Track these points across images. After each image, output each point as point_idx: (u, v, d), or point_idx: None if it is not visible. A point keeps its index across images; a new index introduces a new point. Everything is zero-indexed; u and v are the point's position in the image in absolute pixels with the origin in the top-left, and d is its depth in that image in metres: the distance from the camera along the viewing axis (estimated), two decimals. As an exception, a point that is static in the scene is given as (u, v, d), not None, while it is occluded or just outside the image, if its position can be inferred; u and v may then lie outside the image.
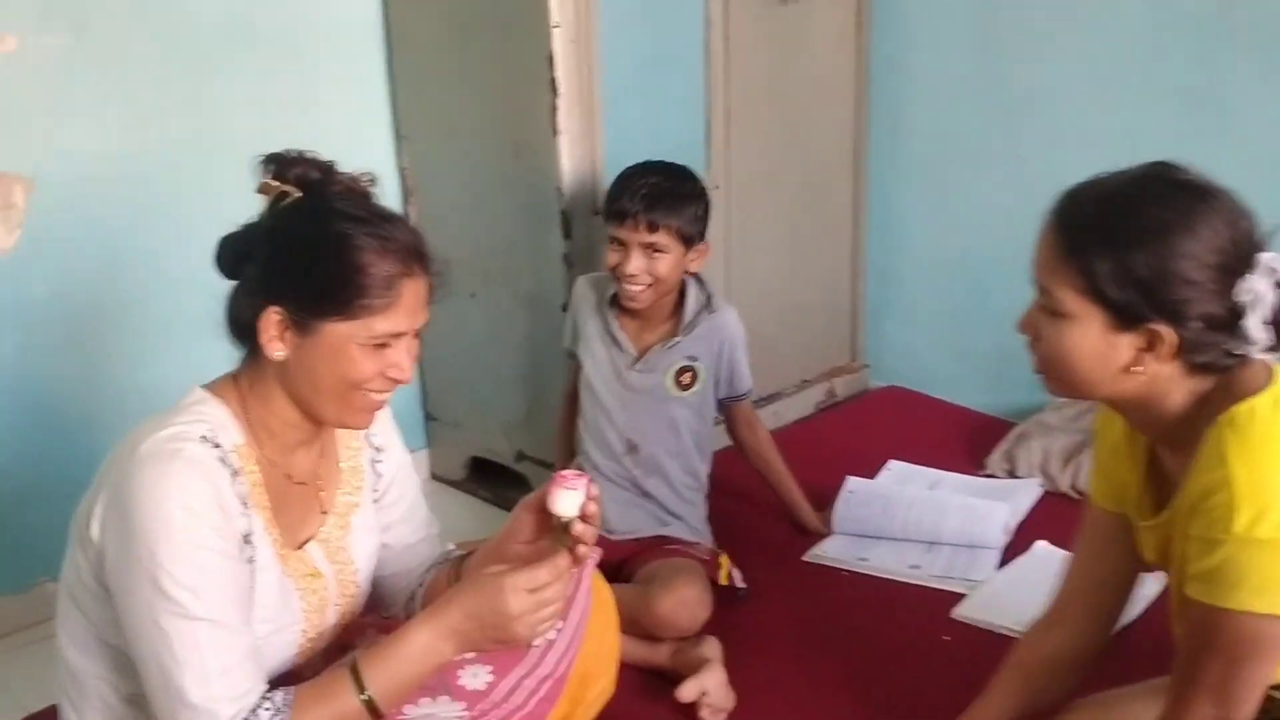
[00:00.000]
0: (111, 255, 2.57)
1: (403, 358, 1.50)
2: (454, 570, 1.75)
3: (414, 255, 1.50)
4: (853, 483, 2.73)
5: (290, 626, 1.58)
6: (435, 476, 3.25)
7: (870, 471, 2.95)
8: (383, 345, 1.48)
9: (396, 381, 1.52)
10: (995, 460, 2.96)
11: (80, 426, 2.61)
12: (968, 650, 2.23)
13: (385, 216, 1.51)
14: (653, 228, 2.32)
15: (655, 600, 2.18)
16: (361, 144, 2.97)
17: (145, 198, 2.63)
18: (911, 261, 3.53)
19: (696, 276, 2.48)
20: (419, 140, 2.99)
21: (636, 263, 2.33)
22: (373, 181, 1.58)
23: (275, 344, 1.48)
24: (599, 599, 1.78)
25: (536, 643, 1.62)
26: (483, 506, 3.12)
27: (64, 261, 2.55)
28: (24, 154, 2.47)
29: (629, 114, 2.78)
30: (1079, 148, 3.08)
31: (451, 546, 1.86)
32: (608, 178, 2.72)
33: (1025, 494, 2.79)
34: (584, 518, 1.55)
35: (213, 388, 1.56)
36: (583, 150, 2.67)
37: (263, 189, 1.53)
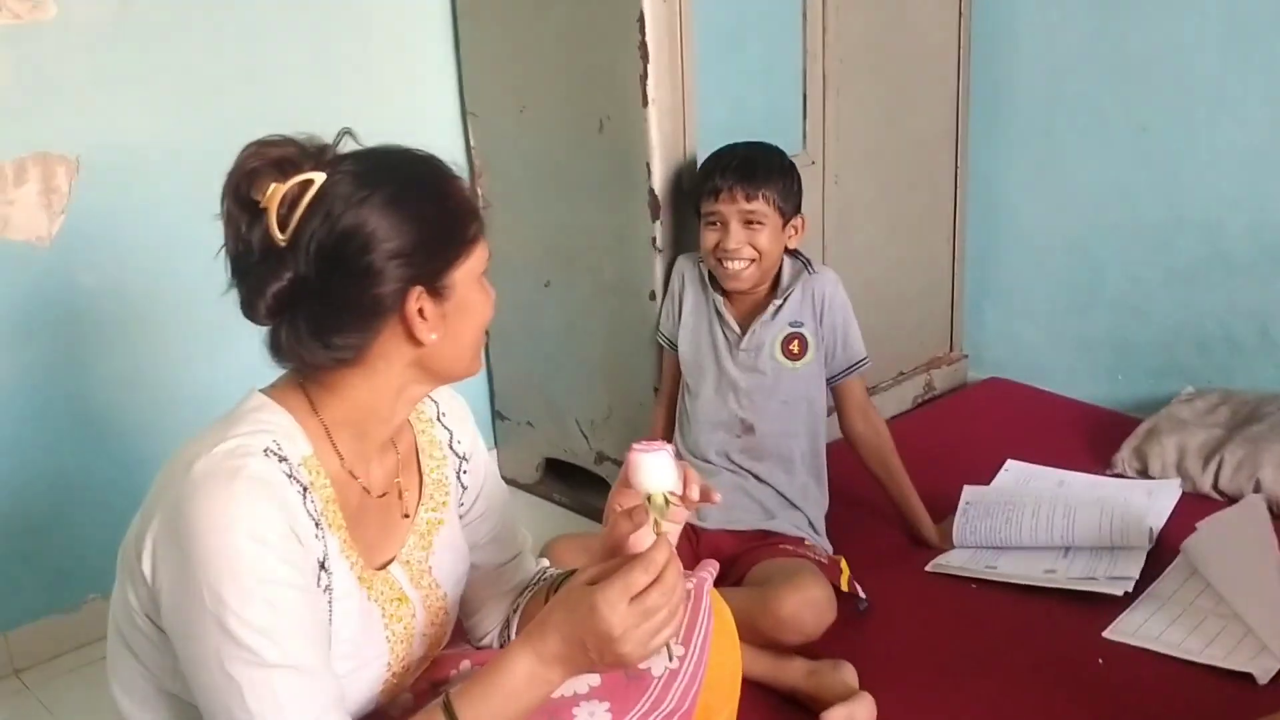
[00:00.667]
0: (164, 243, 2.37)
1: (491, 290, 1.38)
2: (551, 592, 1.54)
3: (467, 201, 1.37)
4: (969, 493, 2.47)
5: (374, 661, 1.35)
6: (505, 479, 3.03)
7: (985, 472, 2.70)
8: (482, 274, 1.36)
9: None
10: (1124, 458, 2.70)
11: (131, 430, 2.41)
12: (1121, 671, 2.00)
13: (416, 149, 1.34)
14: (750, 196, 2.24)
15: (777, 600, 1.98)
16: (426, 120, 2.78)
17: (199, 179, 2.35)
18: (1016, 243, 3.27)
19: (794, 253, 2.36)
20: (488, 116, 2.77)
21: (737, 236, 2.24)
22: (348, 133, 1.35)
23: (425, 328, 1.29)
24: (720, 620, 1.56)
25: (656, 671, 1.41)
26: (558, 512, 2.92)
27: (112, 250, 2.35)
28: (66, 133, 2.27)
29: (721, 83, 2.56)
30: (1211, 116, 2.83)
31: (545, 564, 1.66)
32: (700, 153, 2.49)
33: (1165, 495, 2.53)
34: (682, 498, 1.33)
35: (273, 391, 1.33)
36: (673, 123, 2.43)
37: (270, 201, 1.26)
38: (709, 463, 2.31)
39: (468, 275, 1.30)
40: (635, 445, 1.33)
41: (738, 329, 2.32)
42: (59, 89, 2.24)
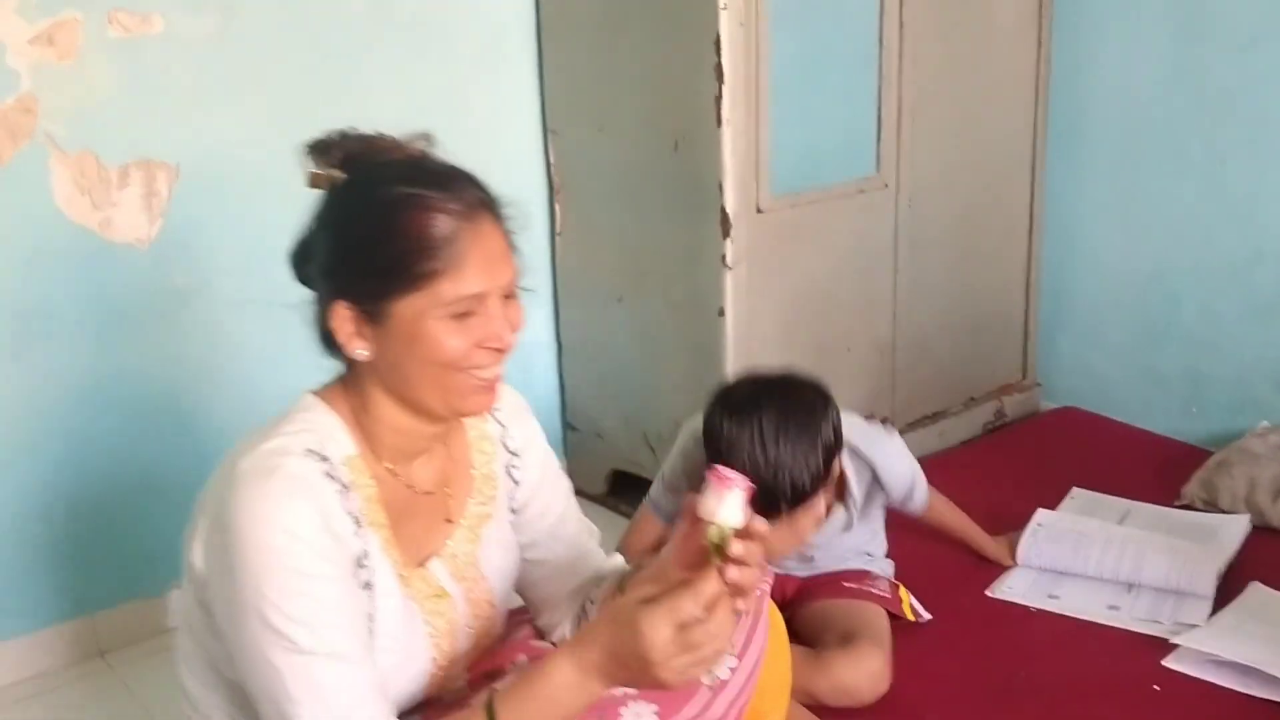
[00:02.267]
0: (255, 248, 2.46)
1: (493, 323, 1.31)
2: (618, 589, 1.54)
3: (473, 203, 1.32)
4: (1042, 515, 2.47)
5: (419, 656, 1.40)
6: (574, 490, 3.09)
7: (1051, 498, 2.70)
8: (465, 314, 1.30)
9: (498, 352, 1.33)
10: (1193, 490, 2.67)
11: (215, 428, 2.50)
12: (1182, 704, 1.99)
13: (434, 170, 1.34)
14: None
15: (834, 667, 1.95)
16: (508, 137, 2.86)
17: (290, 189, 2.49)
18: (1091, 273, 3.25)
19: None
20: (568, 134, 2.84)
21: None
22: (427, 140, 1.40)
23: (354, 342, 1.33)
24: (773, 629, 1.59)
25: (706, 680, 1.42)
26: (625, 523, 2.95)
27: (206, 253, 2.45)
28: (168, 141, 2.38)
29: (796, 106, 2.60)
30: (1290, 149, 2.80)
31: (619, 559, 1.66)
32: (774, 174, 2.54)
33: (1233, 529, 2.50)
34: (745, 534, 1.28)
35: (324, 393, 1.40)
36: (747, 143, 2.48)
37: (311, 182, 1.38)
38: None
39: (415, 309, 1.28)
40: (714, 469, 1.29)
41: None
42: (163, 99, 2.36)
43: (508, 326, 1.32)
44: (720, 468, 1.29)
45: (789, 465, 1.84)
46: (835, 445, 1.92)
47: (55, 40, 2.23)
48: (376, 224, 1.30)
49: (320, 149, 1.37)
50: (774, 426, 1.84)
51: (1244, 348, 2.96)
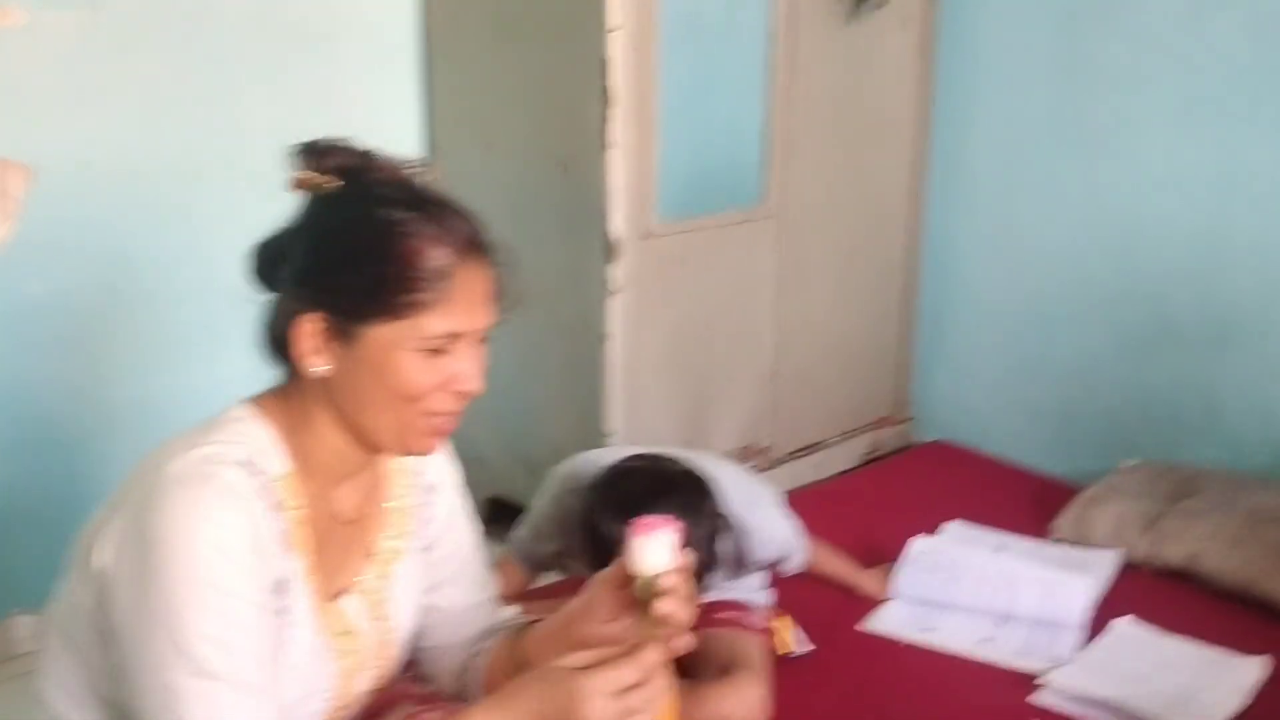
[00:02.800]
0: (117, 255, 2.35)
1: (465, 365, 1.26)
2: (513, 642, 1.49)
3: (470, 242, 1.27)
4: (920, 544, 2.47)
5: (318, 694, 1.33)
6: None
7: (926, 531, 2.69)
8: (438, 352, 1.24)
9: (462, 395, 1.28)
10: (1065, 525, 2.71)
11: (71, 443, 2.38)
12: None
13: (435, 201, 1.29)
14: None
15: (713, 698, 1.90)
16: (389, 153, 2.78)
17: (157, 194, 2.42)
18: (969, 307, 3.31)
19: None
20: (454, 153, 2.79)
21: None
22: (425, 167, 1.35)
23: (313, 357, 1.25)
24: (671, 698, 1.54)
25: None
26: (499, 551, 2.88)
27: (64, 259, 2.33)
28: (25, 139, 2.24)
29: (682, 132, 2.58)
30: (1164, 189, 2.89)
31: (512, 611, 1.60)
32: (661, 198, 2.51)
33: (1103, 564, 2.54)
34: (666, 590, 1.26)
35: (257, 404, 1.31)
36: (638, 166, 2.46)
37: (297, 183, 1.30)
38: None
39: (390, 338, 1.23)
40: (637, 522, 1.27)
41: None
42: (20, 96, 2.24)
43: (477, 371, 1.27)
44: (641, 519, 1.27)
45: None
46: (715, 533, 1.94)
47: (-97, 28, 2.09)
48: (370, 242, 1.24)
49: (314, 152, 1.29)
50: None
51: (1114, 384, 3.03)
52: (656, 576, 1.25)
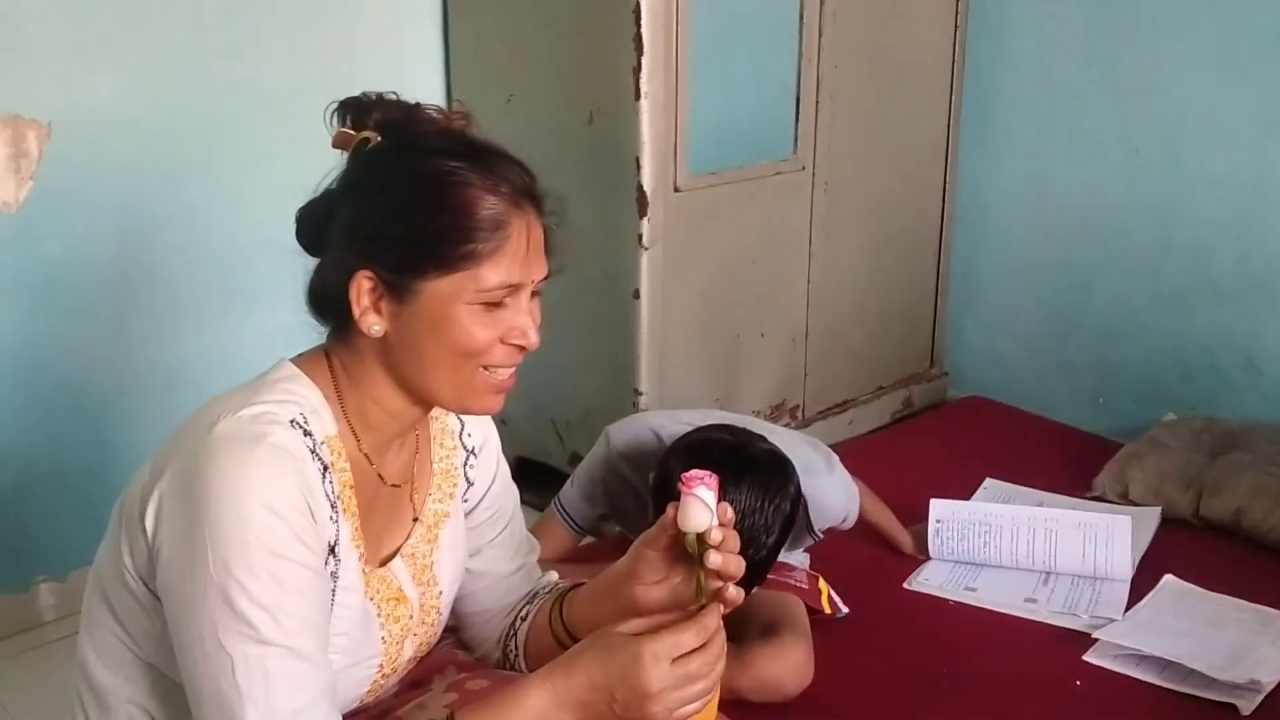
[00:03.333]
0: (137, 214, 2.30)
1: (522, 318, 1.22)
2: (556, 607, 1.44)
3: (524, 191, 1.23)
4: (939, 509, 2.38)
5: (368, 661, 1.29)
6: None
7: (963, 490, 2.65)
8: (495, 305, 1.20)
9: (521, 349, 1.24)
10: (1104, 482, 2.66)
11: (94, 407, 2.34)
12: (1102, 698, 1.95)
13: (486, 149, 1.25)
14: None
15: (757, 661, 1.88)
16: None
17: (175, 150, 2.36)
18: (1002, 261, 3.25)
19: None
20: (474, 103, 2.68)
21: None
22: (466, 118, 1.30)
23: (370, 316, 1.21)
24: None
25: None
26: (528, 513, 2.83)
27: (82, 220, 2.27)
28: (39, 96, 2.20)
29: (714, 82, 2.52)
30: (1203, 140, 2.81)
31: (554, 575, 1.55)
32: (691, 152, 2.45)
33: (1144, 522, 2.49)
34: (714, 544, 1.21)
35: (303, 363, 1.27)
36: (665, 119, 2.39)
37: (339, 140, 1.25)
38: None
39: (448, 291, 1.19)
40: (685, 477, 1.21)
41: None
42: (34, 51, 2.17)
43: (534, 324, 1.24)
44: (687, 475, 1.21)
45: (760, 543, 1.82)
46: (794, 516, 1.90)
47: (-89, -18, 2.03)
48: (422, 194, 1.20)
49: (355, 108, 1.25)
50: (747, 504, 1.80)
51: (1152, 338, 2.97)
52: (708, 531, 1.20)
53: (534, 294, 1.25)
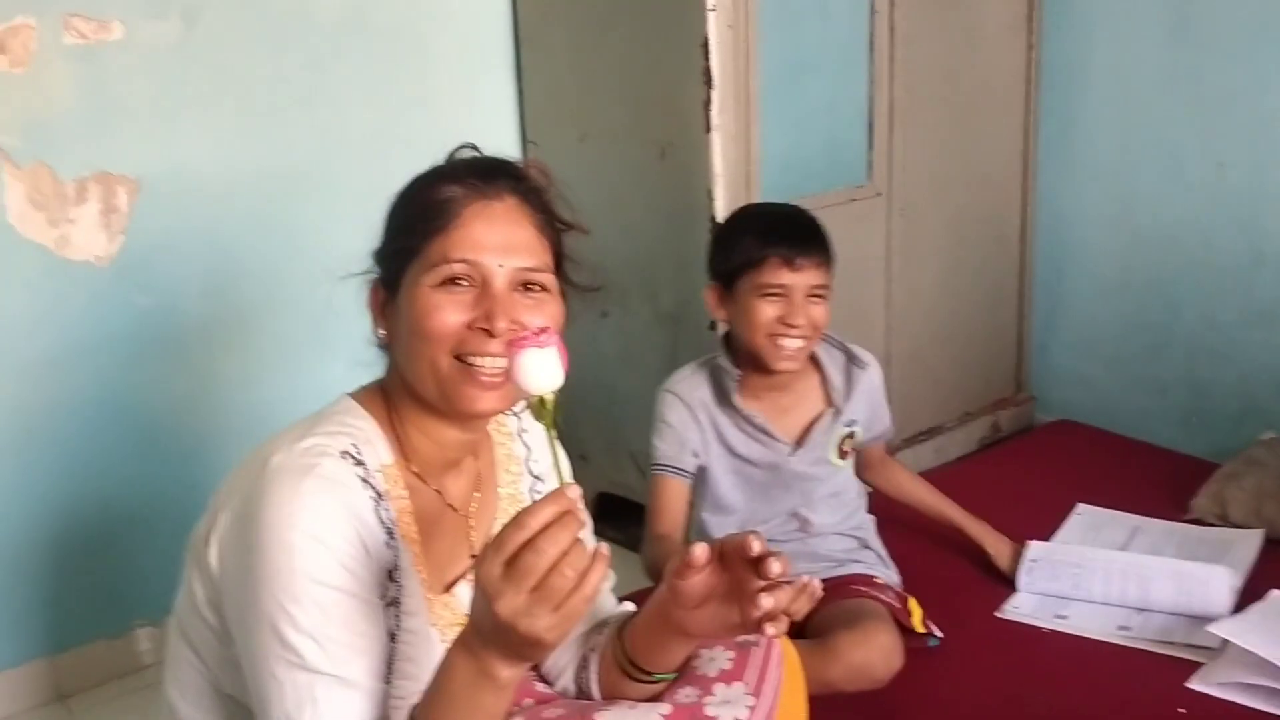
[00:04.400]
0: (222, 265, 2.35)
1: (488, 302, 1.21)
2: (616, 636, 1.41)
3: (498, 181, 1.25)
4: (1034, 550, 2.33)
5: None
6: (560, 514, 2.97)
7: (1055, 516, 2.60)
8: (456, 285, 1.21)
9: (486, 334, 1.20)
10: (1202, 504, 2.58)
11: (184, 453, 2.39)
12: (1208, 726, 1.88)
13: (477, 157, 1.32)
14: (821, 267, 2.01)
15: (848, 648, 1.88)
16: (486, 150, 2.74)
17: (257, 202, 2.42)
18: (1087, 280, 3.18)
19: (826, 335, 2.14)
20: (548, 144, 2.75)
21: (803, 311, 1.98)
22: (544, 174, 1.34)
23: (379, 323, 1.29)
24: (789, 666, 1.48)
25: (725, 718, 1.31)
26: (611, 548, 2.84)
27: (170, 271, 2.34)
28: (128, 153, 2.27)
29: (785, 112, 2.51)
30: (1291, 150, 2.73)
31: (629, 607, 1.52)
32: (764, 182, 2.45)
33: (1246, 545, 2.41)
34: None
35: (360, 396, 1.30)
36: (737, 150, 2.39)
37: None
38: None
39: (414, 281, 1.23)
40: (515, 339, 1.12)
41: (788, 440, 2.09)
42: (122, 110, 2.25)
43: (506, 312, 1.21)
44: (520, 336, 1.13)
45: (821, 227, 2.04)
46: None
47: (8, 47, 2.11)
48: (401, 197, 1.30)
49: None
50: (797, 211, 2.05)
51: (1245, 354, 2.89)
52: (545, 395, 1.12)
53: (527, 287, 1.24)
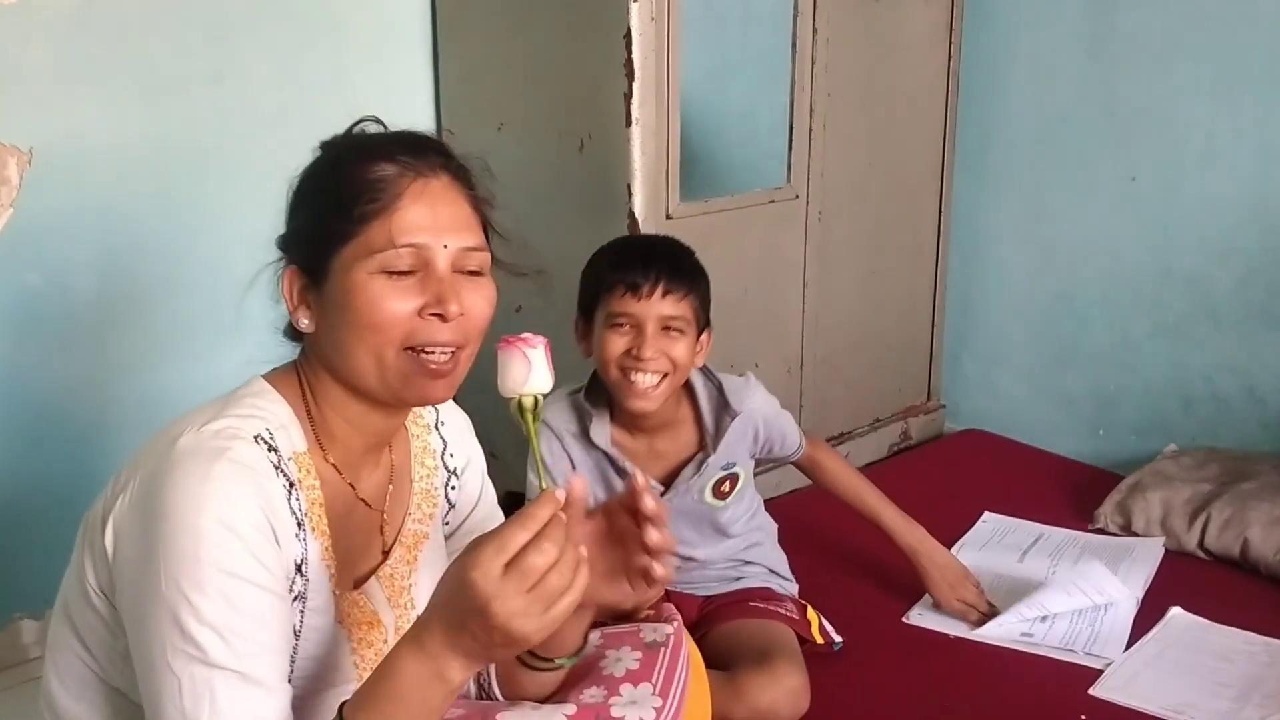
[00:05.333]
0: (119, 243, 2.25)
1: (435, 285, 1.16)
2: None
3: (429, 158, 1.20)
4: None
5: (338, 687, 1.23)
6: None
7: (962, 522, 2.63)
8: (403, 273, 1.16)
9: (439, 319, 1.16)
10: (1107, 513, 2.61)
11: (75, 439, 2.28)
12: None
13: (399, 132, 1.25)
14: (674, 298, 1.88)
15: (752, 690, 1.84)
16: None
17: (159, 180, 2.32)
18: (998, 292, 3.21)
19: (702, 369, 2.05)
20: (465, 132, 2.68)
21: (654, 344, 1.87)
22: (377, 122, 1.29)
23: (300, 312, 1.21)
24: (694, 668, 1.46)
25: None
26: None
27: (63, 248, 2.23)
28: (21, 123, 2.15)
29: (706, 109, 2.49)
30: (1200, 167, 2.78)
31: None
32: (684, 177, 2.42)
33: (1147, 553, 2.44)
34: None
35: (275, 378, 1.24)
36: (657, 145, 2.36)
37: None
38: None
39: (348, 266, 1.16)
40: (504, 340, 1.12)
41: (658, 484, 2.00)
42: (15, 76, 2.13)
43: (456, 296, 1.16)
44: (510, 336, 1.12)
45: (698, 267, 1.96)
46: (709, 296, 1.98)
47: (-108, 7, 2.00)
48: (319, 179, 1.22)
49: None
50: (668, 244, 1.98)
51: (1152, 367, 2.93)
52: (537, 401, 1.12)
53: (470, 272, 1.20)
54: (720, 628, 2.03)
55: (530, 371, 1.11)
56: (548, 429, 2.00)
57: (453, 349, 1.18)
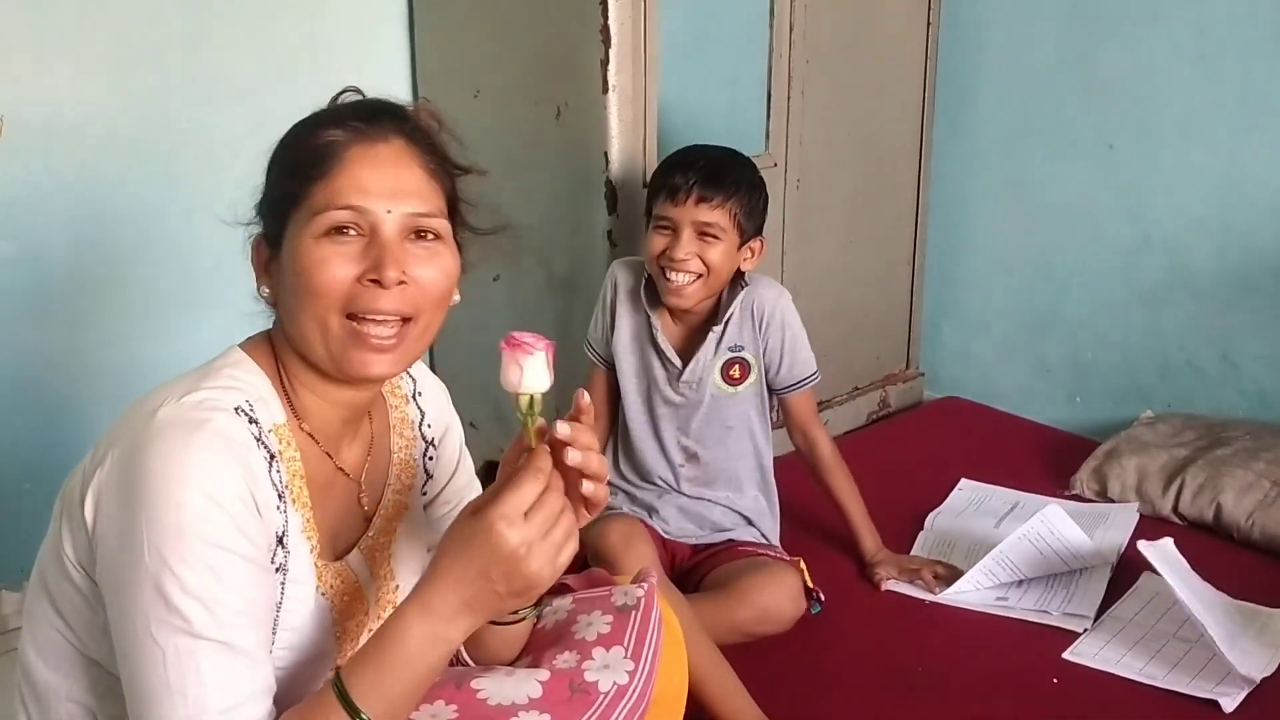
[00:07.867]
0: (92, 212, 2.24)
1: (376, 251, 1.15)
2: None
3: (382, 123, 1.19)
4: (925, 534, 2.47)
5: (321, 659, 1.23)
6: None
7: (941, 489, 2.64)
8: (342, 234, 1.15)
9: (377, 285, 1.15)
10: (1083, 479, 2.63)
11: (49, 411, 2.28)
12: (1080, 695, 1.93)
13: (359, 101, 1.24)
14: (710, 205, 2.04)
15: (752, 591, 1.99)
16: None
17: (132, 148, 2.31)
18: (977, 260, 3.21)
19: (742, 276, 2.16)
20: (441, 100, 2.66)
21: (687, 246, 2.04)
22: (435, 117, 1.29)
23: (262, 278, 1.22)
24: (668, 632, 1.46)
25: (604, 686, 1.29)
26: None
27: (35, 218, 2.21)
28: (-9, 90, 2.13)
29: (684, 76, 2.48)
30: (1179, 135, 2.79)
31: None
32: (661, 145, 2.41)
33: (1122, 519, 2.46)
34: (574, 415, 1.14)
35: (251, 349, 1.23)
36: (635, 112, 2.35)
37: None
38: (655, 486, 2.22)
39: (297, 232, 1.16)
40: (510, 337, 1.13)
41: (678, 362, 2.16)
42: (-15, 44, 2.12)
43: (397, 262, 1.15)
44: (514, 334, 1.13)
45: (743, 178, 2.08)
46: (764, 206, 2.14)
47: None
48: (282, 146, 1.23)
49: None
50: (721, 154, 2.11)
51: (1129, 335, 2.95)
52: (537, 400, 1.12)
53: (419, 235, 1.18)
54: (719, 568, 2.13)
55: (522, 374, 1.11)
56: (609, 281, 2.21)
57: (397, 320, 1.17)
